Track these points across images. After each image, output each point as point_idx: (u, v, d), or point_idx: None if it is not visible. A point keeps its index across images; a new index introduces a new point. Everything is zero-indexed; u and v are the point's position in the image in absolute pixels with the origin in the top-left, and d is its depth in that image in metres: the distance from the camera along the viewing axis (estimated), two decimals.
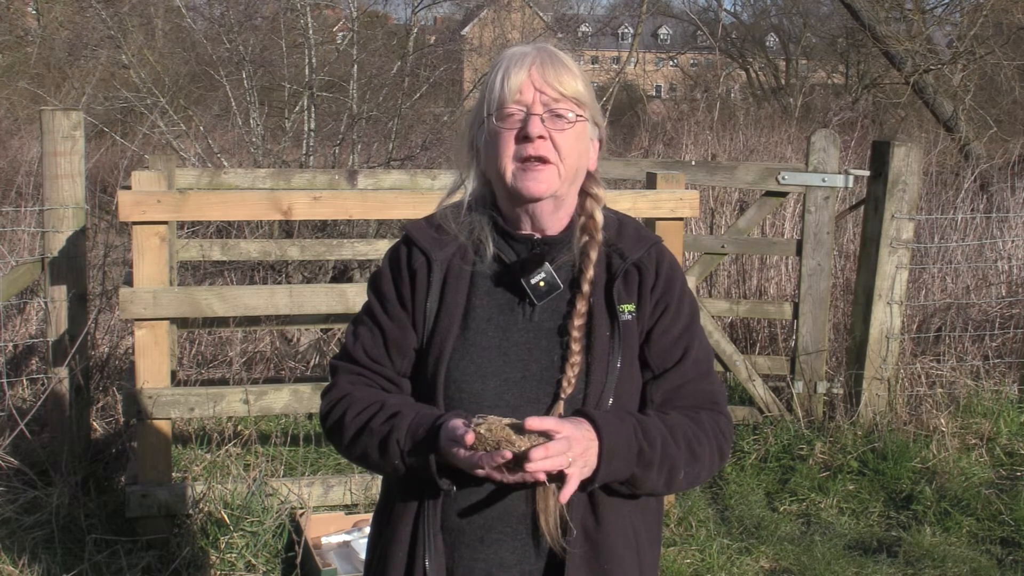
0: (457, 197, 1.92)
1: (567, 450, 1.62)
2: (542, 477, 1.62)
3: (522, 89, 1.76)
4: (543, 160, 1.77)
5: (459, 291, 1.83)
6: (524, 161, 1.77)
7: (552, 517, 1.75)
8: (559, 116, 1.77)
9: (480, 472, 1.64)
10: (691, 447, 1.79)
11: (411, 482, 1.80)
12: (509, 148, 1.78)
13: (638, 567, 1.85)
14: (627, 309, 1.83)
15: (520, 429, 1.62)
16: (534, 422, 1.61)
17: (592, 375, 1.78)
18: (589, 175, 1.88)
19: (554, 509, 1.75)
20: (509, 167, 1.78)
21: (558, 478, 1.66)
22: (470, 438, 1.62)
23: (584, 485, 1.70)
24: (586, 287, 1.81)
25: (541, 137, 1.76)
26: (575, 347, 1.78)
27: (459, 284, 1.84)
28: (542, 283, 1.81)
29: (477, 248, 1.85)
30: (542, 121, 1.76)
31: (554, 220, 1.85)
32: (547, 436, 1.62)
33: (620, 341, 1.80)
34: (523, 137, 1.77)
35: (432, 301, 1.83)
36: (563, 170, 1.79)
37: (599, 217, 1.86)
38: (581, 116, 1.80)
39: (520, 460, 1.60)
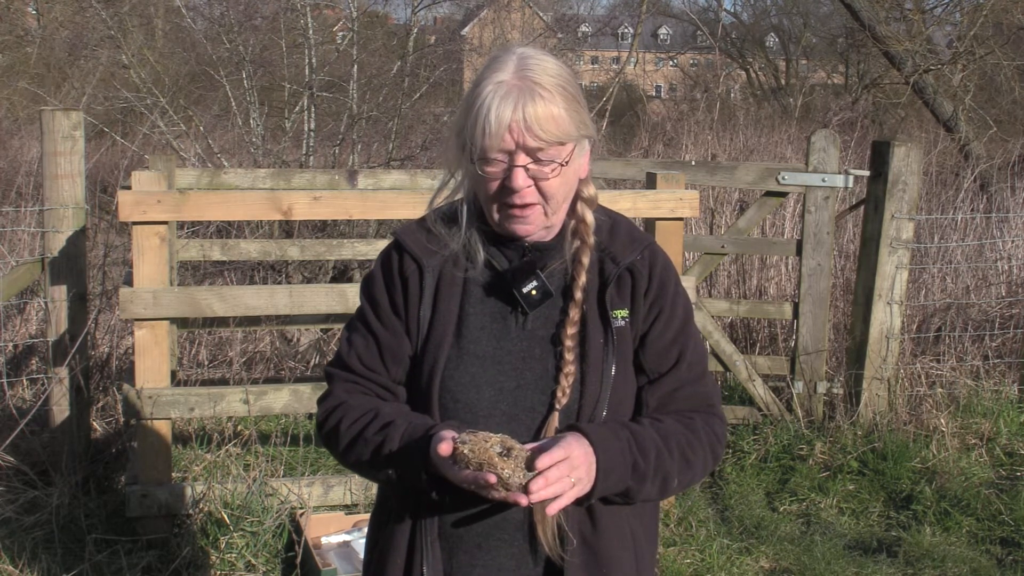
0: (445, 194, 1.89)
1: (569, 473, 1.62)
2: (524, 502, 1.60)
3: (504, 137, 1.69)
4: (529, 205, 1.74)
5: (452, 299, 1.81)
6: (510, 208, 1.75)
7: (549, 528, 1.75)
8: (544, 164, 1.72)
9: (466, 487, 1.63)
10: (684, 454, 1.79)
11: (408, 492, 1.80)
12: (494, 193, 1.74)
13: (635, 568, 1.85)
14: (620, 315, 1.81)
15: (510, 451, 1.61)
16: (544, 460, 1.60)
17: (587, 384, 1.77)
18: (581, 178, 1.84)
19: (551, 520, 1.75)
20: (495, 212, 1.76)
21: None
22: (443, 448, 1.61)
23: (581, 501, 1.69)
24: (578, 295, 1.79)
25: (526, 186, 1.72)
26: (569, 356, 1.77)
27: (452, 292, 1.82)
28: (534, 291, 1.79)
29: (468, 254, 1.83)
30: (526, 170, 1.71)
31: (545, 229, 1.82)
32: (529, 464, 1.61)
33: (614, 348, 1.79)
34: (508, 188, 1.72)
35: (425, 309, 1.82)
36: (550, 209, 1.76)
37: (590, 220, 1.82)
38: (566, 160, 1.73)
39: (506, 484, 1.59)
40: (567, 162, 1.74)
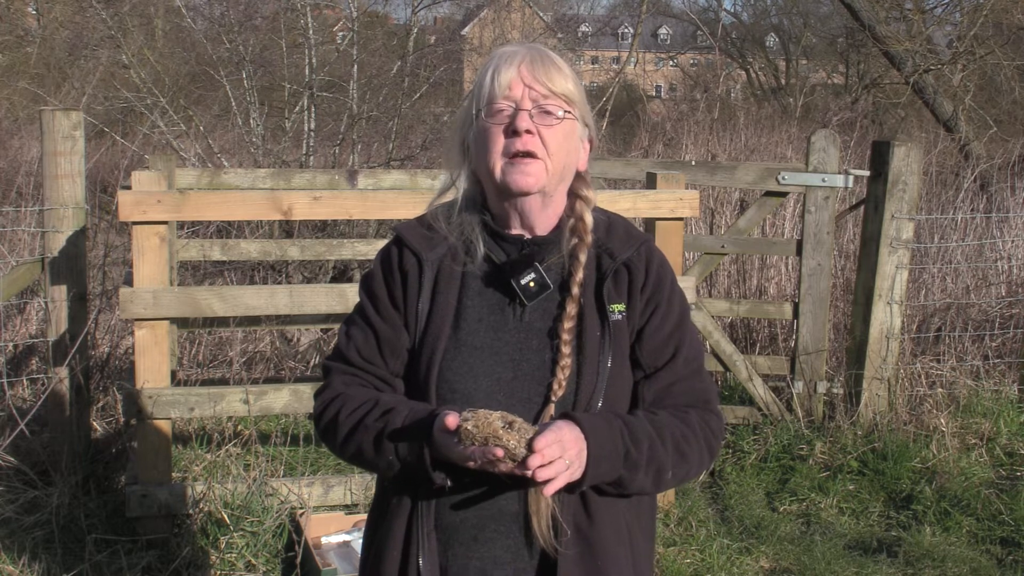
0: (448, 197, 1.93)
1: (562, 454, 1.64)
2: (530, 473, 1.63)
3: (511, 85, 1.78)
4: (531, 155, 1.78)
5: (450, 292, 1.84)
6: (512, 156, 1.78)
7: (544, 519, 1.77)
8: (547, 112, 1.79)
9: (472, 464, 1.66)
10: (679, 447, 1.80)
11: (405, 481, 1.81)
12: (498, 144, 1.79)
13: (631, 562, 1.86)
14: (617, 309, 1.84)
15: (512, 424, 1.63)
16: (541, 442, 1.62)
17: (583, 377, 1.80)
18: (579, 176, 1.89)
19: (546, 511, 1.77)
20: (498, 163, 1.79)
21: None
22: (450, 420, 1.64)
23: (572, 488, 1.71)
24: (575, 290, 1.82)
25: (529, 132, 1.77)
26: (565, 350, 1.79)
27: (450, 285, 1.85)
28: (532, 283, 1.82)
29: (468, 249, 1.86)
30: (531, 116, 1.78)
31: (543, 218, 1.85)
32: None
33: (610, 341, 1.82)
34: (512, 132, 1.78)
35: (424, 302, 1.84)
36: (551, 165, 1.80)
37: (588, 219, 1.86)
38: (569, 113, 1.81)
39: (512, 455, 1.61)
40: (571, 115, 1.81)
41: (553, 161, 1.79)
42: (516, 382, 1.80)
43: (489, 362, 1.80)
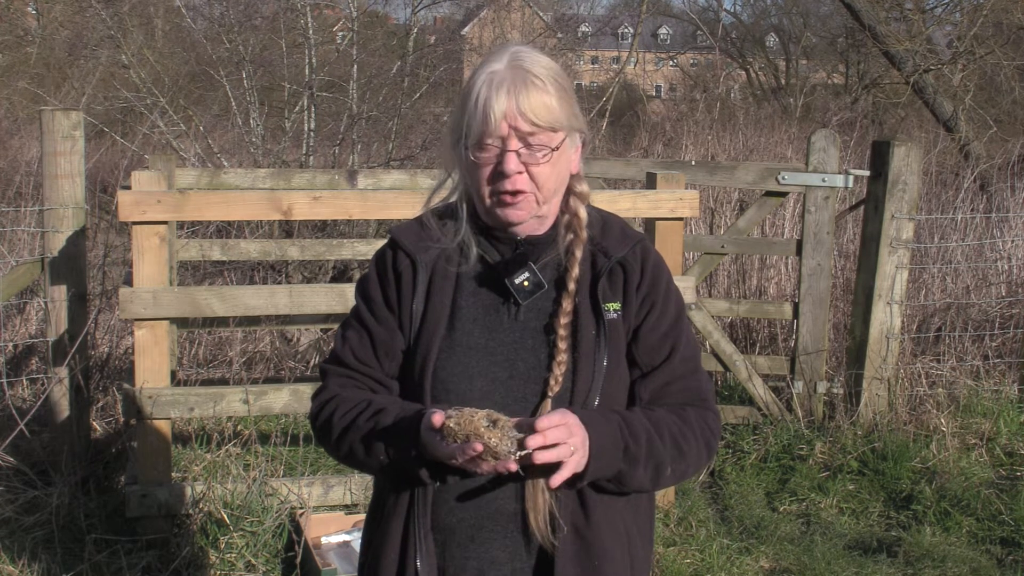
0: (443, 194, 1.93)
1: (567, 438, 1.64)
2: (513, 467, 1.63)
3: (498, 124, 1.74)
4: (521, 192, 1.77)
5: (445, 292, 1.84)
6: (502, 195, 1.78)
7: (541, 515, 1.77)
8: (535, 150, 1.76)
9: (455, 462, 1.65)
10: (677, 443, 1.80)
11: (401, 481, 1.82)
12: (486, 181, 1.79)
13: (629, 563, 1.86)
14: (612, 308, 1.84)
15: (496, 422, 1.63)
16: (543, 423, 1.62)
17: (579, 373, 1.79)
18: (573, 174, 1.88)
19: (543, 507, 1.77)
20: (488, 198, 1.80)
21: (544, 471, 1.67)
22: (436, 419, 1.64)
23: (572, 482, 1.71)
24: (571, 285, 1.82)
25: (518, 171, 1.76)
26: (561, 345, 1.79)
27: (444, 285, 1.85)
28: (526, 283, 1.82)
29: (462, 249, 1.86)
30: (518, 155, 1.76)
31: (537, 222, 1.85)
32: (522, 430, 1.64)
33: (606, 339, 1.81)
34: (500, 174, 1.76)
35: (418, 303, 1.85)
36: (541, 197, 1.80)
37: (583, 215, 1.86)
38: (557, 146, 1.78)
39: (494, 452, 1.61)
40: (558, 148, 1.78)
41: (543, 192, 1.79)
42: (512, 381, 1.80)
43: (484, 362, 1.81)
